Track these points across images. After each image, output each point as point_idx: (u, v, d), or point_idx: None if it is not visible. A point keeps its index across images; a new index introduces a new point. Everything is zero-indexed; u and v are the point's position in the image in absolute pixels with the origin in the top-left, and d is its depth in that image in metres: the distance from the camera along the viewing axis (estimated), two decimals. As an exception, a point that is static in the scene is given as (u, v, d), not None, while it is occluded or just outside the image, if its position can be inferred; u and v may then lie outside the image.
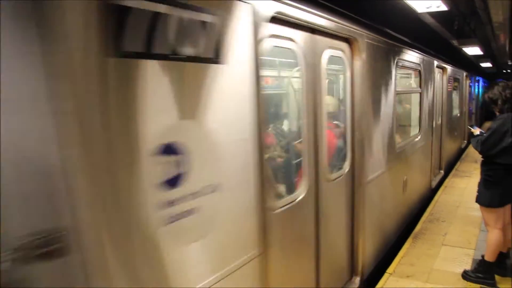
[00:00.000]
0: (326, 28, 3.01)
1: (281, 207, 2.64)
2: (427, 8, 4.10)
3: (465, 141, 12.31)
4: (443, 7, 4.05)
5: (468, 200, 6.78)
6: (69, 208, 1.32)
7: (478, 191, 4.06)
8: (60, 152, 1.29)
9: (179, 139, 1.71)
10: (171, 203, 1.68)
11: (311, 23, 2.81)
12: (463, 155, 11.74)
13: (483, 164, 4.03)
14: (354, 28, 3.47)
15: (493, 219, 3.98)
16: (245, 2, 2.10)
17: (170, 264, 1.71)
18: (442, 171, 8.78)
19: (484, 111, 19.40)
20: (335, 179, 3.43)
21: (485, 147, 3.85)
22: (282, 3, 2.45)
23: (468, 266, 4.46)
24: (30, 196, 1.25)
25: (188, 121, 1.76)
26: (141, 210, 1.55)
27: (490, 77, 22.69)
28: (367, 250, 4.06)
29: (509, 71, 18.24)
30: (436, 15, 5.28)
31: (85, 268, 1.37)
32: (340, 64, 3.60)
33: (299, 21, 2.68)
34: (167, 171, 1.65)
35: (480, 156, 4.05)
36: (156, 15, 1.56)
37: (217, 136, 1.93)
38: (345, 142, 3.69)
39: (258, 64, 2.19)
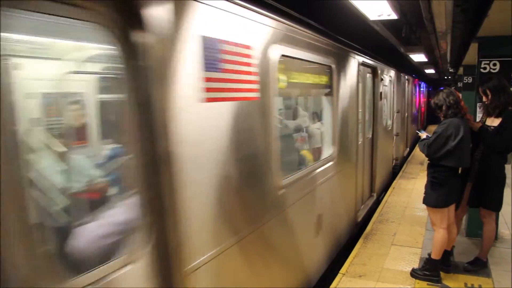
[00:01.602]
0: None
1: None
2: (379, 16, 4.23)
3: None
4: (394, 16, 4.20)
5: (415, 201, 7.11)
6: None
7: (425, 192, 4.24)
8: None
9: None
10: None
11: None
12: (409, 158, 12.28)
13: (429, 167, 4.22)
14: None
15: (439, 218, 4.17)
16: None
17: None
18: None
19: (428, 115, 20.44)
20: None
21: (431, 150, 4.02)
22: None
23: (416, 264, 4.65)
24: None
25: None
26: None
27: (433, 83, 23.97)
28: None
29: (450, 77, 19.32)
30: (386, 23, 5.48)
31: None
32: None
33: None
34: None
35: (426, 158, 4.25)
36: None
37: None
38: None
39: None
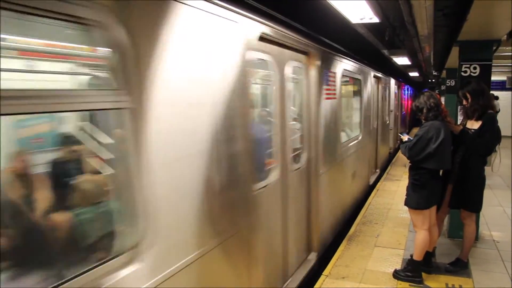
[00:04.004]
0: None
1: None
2: (361, 19, 4.27)
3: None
4: (375, 19, 4.24)
5: (398, 202, 7.16)
6: None
7: (407, 194, 4.28)
8: None
9: None
10: None
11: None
12: (393, 160, 12.41)
13: (411, 169, 4.26)
14: None
15: (420, 220, 4.22)
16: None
17: None
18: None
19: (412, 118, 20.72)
20: None
21: (412, 152, 4.07)
22: (374, 72, 8.47)
23: (398, 266, 4.69)
24: None
25: None
26: None
27: (418, 86, 24.28)
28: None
29: (433, 80, 19.60)
30: (369, 26, 5.53)
31: None
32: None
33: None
34: None
35: (409, 161, 4.29)
36: None
37: None
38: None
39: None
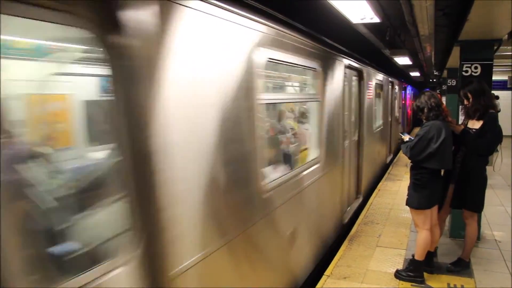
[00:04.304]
0: None
1: None
2: (362, 19, 4.27)
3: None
4: (376, 19, 4.24)
5: (400, 202, 7.16)
6: None
7: (408, 194, 4.28)
8: None
9: None
10: None
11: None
12: (395, 160, 12.41)
13: (412, 169, 4.26)
14: None
15: (422, 220, 4.22)
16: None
17: None
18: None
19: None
20: None
21: (413, 152, 4.06)
22: (390, 77, 11.43)
23: (400, 266, 4.69)
24: None
25: None
26: None
27: (418, 85, 24.25)
28: None
29: (435, 80, 19.58)
30: (370, 26, 5.53)
31: None
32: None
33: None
34: None
35: (410, 161, 4.29)
36: None
37: None
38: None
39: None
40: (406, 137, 4.36)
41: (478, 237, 5.26)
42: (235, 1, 2.81)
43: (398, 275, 4.44)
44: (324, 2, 3.60)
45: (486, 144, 4.29)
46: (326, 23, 4.95)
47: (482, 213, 5.10)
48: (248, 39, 2.97)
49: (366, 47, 7.29)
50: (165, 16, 2.08)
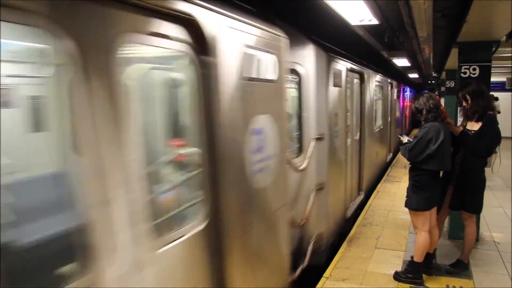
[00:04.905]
0: None
1: None
2: (360, 21, 4.28)
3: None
4: (375, 21, 4.24)
5: (399, 204, 7.15)
6: None
7: (407, 196, 4.28)
8: None
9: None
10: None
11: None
12: (394, 161, 12.41)
13: (411, 170, 4.26)
14: None
15: (421, 222, 4.21)
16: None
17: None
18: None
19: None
20: None
21: (412, 154, 4.06)
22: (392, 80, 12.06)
23: (399, 267, 4.68)
24: None
25: None
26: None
27: (418, 87, 24.28)
28: None
29: (433, 81, 19.62)
30: (368, 28, 5.54)
31: None
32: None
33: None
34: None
35: (408, 162, 4.29)
36: None
37: None
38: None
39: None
40: (404, 139, 4.36)
41: (477, 239, 5.26)
42: None
43: (397, 277, 4.44)
44: (321, 2, 3.60)
45: (485, 145, 4.29)
46: (324, 24, 4.96)
47: (481, 214, 5.11)
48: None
49: (365, 49, 7.30)
50: None
